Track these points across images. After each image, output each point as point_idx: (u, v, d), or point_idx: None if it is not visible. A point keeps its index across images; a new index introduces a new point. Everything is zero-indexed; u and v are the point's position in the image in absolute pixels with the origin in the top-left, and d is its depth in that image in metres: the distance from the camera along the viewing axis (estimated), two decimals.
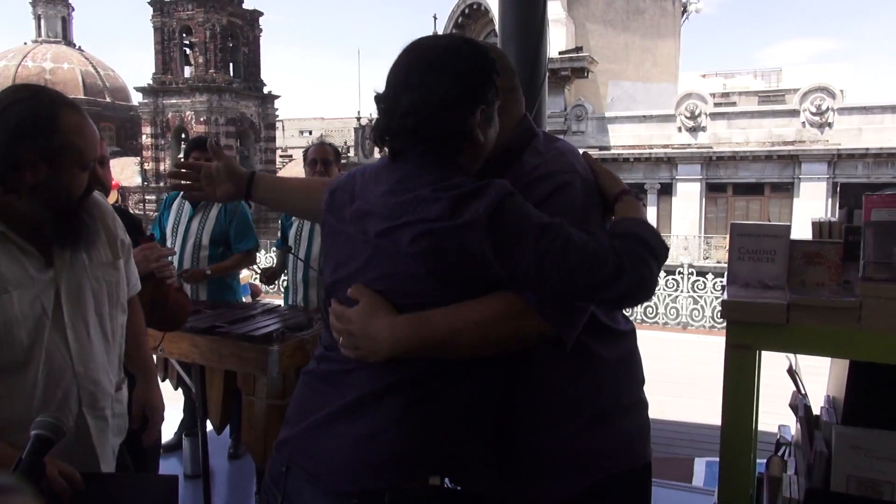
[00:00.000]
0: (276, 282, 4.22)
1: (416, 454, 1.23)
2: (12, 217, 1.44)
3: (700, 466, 3.93)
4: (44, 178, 1.41)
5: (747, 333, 1.62)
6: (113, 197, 9.42)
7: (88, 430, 1.56)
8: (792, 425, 2.40)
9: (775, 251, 1.78)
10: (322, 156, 3.63)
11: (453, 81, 1.18)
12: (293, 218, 3.67)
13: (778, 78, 35.73)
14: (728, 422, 1.67)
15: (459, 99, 1.19)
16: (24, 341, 1.43)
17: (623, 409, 1.45)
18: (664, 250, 1.27)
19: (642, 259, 1.19)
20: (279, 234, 3.91)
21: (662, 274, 9.05)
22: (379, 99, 1.26)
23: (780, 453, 2.15)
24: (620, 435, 1.43)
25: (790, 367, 1.98)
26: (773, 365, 1.69)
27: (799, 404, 2.01)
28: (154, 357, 2.30)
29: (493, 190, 1.16)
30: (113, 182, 10.48)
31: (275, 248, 4.14)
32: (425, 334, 1.17)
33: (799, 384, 2.02)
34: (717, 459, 3.88)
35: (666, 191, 20.98)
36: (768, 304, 1.55)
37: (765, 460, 2.00)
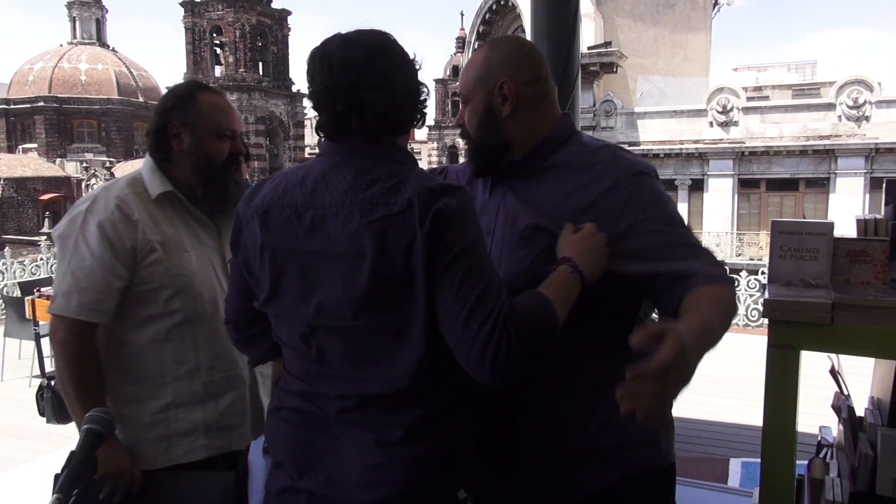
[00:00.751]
0: None
1: (451, 478, 1.25)
2: (178, 185, 1.71)
3: (735, 467, 3.86)
4: (187, 145, 1.69)
5: (790, 333, 1.59)
6: None
7: (258, 383, 1.83)
8: (833, 426, 2.35)
9: (818, 249, 1.75)
10: None
11: (384, 68, 1.20)
12: None
13: (813, 71, 34.99)
14: (770, 423, 1.64)
15: (389, 83, 1.20)
16: (204, 295, 1.70)
17: None
18: (541, 340, 1.18)
19: (509, 341, 1.11)
20: None
21: None
22: (316, 94, 1.24)
23: (821, 455, 2.11)
24: (648, 432, 1.42)
25: (832, 367, 1.94)
26: (811, 364, 1.66)
27: (842, 405, 1.97)
28: None
29: (464, 193, 1.18)
30: None
31: None
32: (702, 342, 1.19)
33: (841, 385, 1.98)
34: (754, 460, 3.86)
35: (697, 187, 20.68)
36: (812, 303, 1.52)
37: (805, 462, 1.96)
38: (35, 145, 39.42)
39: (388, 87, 1.19)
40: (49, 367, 6.11)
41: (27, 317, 5.78)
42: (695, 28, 22.44)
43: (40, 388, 3.47)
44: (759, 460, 4.40)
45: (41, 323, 5.39)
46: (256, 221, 1.22)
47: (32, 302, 3.18)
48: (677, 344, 1.01)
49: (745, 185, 20.36)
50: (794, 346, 1.63)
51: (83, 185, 33.47)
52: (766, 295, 1.69)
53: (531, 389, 1.38)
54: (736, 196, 20.31)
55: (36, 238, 31.08)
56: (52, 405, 3.37)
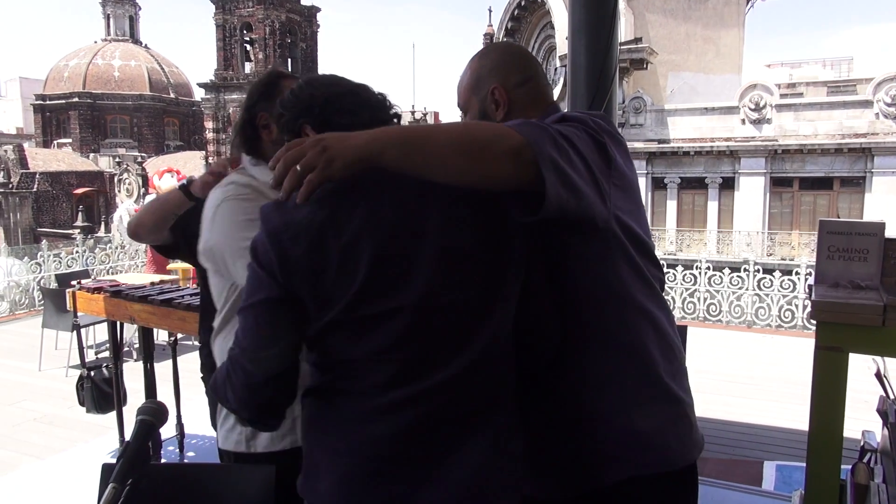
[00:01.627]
0: None
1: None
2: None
3: (770, 470, 3.80)
4: (277, 135, 1.62)
5: (839, 335, 1.56)
6: None
7: None
8: (877, 431, 2.30)
9: (868, 250, 1.71)
10: None
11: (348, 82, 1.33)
12: None
13: (849, 67, 34.15)
14: (817, 427, 1.61)
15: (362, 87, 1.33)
16: None
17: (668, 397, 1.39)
18: None
19: None
20: None
21: (727, 271, 8.78)
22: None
23: (864, 460, 2.07)
24: (654, 433, 1.35)
25: (878, 370, 1.90)
26: (851, 367, 1.63)
27: (889, 409, 1.93)
28: None
29: None
30: (179, 175, 10.67)
31: None
32: (405, 135, 1.07)
33: (887, 388, 1.94)
34: (789, 463, 3.77)
35: (728, 185, 20.38)
36: (864, 304, 1.49)
37: (848, 467, 1.92)
38: (69, 140, 40.19)
39: (363, 90, 1.30)
40: (88, 358, 6.24)
41: (66, 308, 5.92)
42: (727, 24, 22.09)
43: (80, 378, 3.56)
44: (794, 463, 4.32)
45: (80, 314, 5.52)
46: (328, 227, 1.11)
47: (73, 294, 3.23)
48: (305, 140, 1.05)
49: (778, 184, 20.00)
50: (843, 348, 1.60)
51: (115, 179, 34.05)
52: (814, 296, 1.65)
53: (535, 387, 1.38)
54: (768, 195, 19.97)
55: (69, 231, 31.68)
56: (93, 395, 3.46)
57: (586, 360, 1.34)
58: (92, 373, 3.41)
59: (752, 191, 20.00)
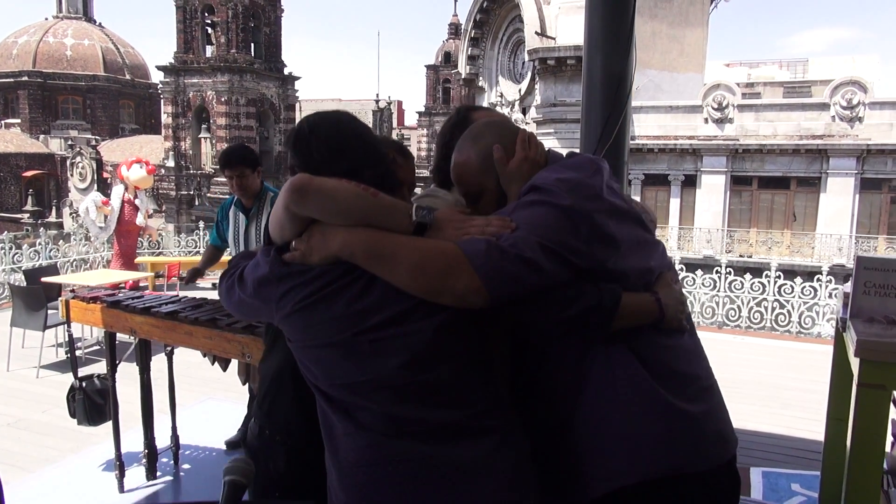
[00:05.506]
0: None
1: None
2: None
3: (756, 477, 3.89)
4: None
5: (884, 373, 1.60)
6: (149, 182, 9.37)
7: None
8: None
9: None
10: None
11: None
12: (230, 217, 3.84)
13: (804, 69, 35.15)
14: (857, 462, 1.65)
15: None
16: None
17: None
18: None
19: None
20: (213, 232, 4.05)
21: (699, 272, 8.96)
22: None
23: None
24: (626, 440, 1.37)
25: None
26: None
27: None
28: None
29: None
30: (149, 167, 10.17)
31: (208, 243, 4.29)
32: (371, 248, 1.26)
33: None
34: (775, 470, 3.84)
35: (690, 182, 20.80)
36: None
37: None
38: (18, 120, 38.63)
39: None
40: (60, 357, 6.02)
41: (38, 307, 5.71)
42: (692, 23, 22.46)
43: (72, 389, 3.43)
44: (780, 470, 4.36)
45: (52, 315, 5.33)
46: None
47: (66, 303, 3.10)
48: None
49: (738, 183, 20.51)
50: (886, 386, 1.63)
51: (68, 162, 32.88)
52: (856, 335, 1.69)
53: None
54: (728, 193, 20.46)
55: (18, 216, 30.50)
56: (84, 407, 3.34)
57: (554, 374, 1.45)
58: (84, 384, 3.29)
59: (713, 189, 20.47)
